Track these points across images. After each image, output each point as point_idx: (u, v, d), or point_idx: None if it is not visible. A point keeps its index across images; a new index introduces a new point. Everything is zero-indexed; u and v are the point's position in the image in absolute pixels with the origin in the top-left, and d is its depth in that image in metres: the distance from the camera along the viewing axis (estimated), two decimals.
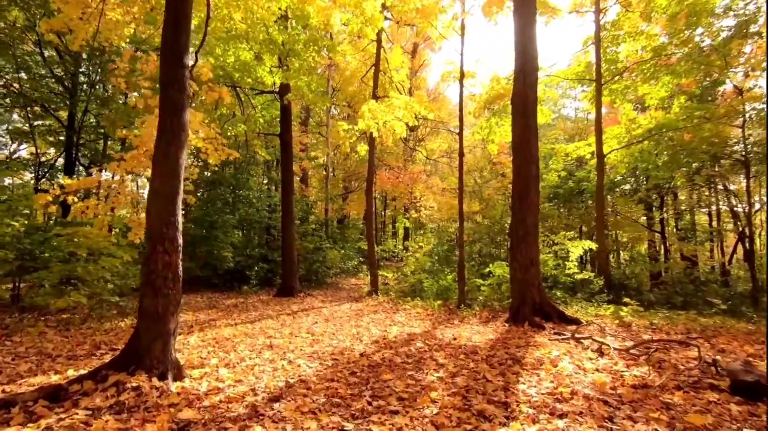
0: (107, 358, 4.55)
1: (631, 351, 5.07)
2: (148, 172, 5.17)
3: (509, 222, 16.70)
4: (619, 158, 12.75)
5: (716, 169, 13.29)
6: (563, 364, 4.64)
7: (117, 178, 6.95)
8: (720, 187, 17.36)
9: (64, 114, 13.50)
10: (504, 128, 13.30)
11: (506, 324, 7.64)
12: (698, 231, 18.71)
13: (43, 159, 15.90)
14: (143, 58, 6.25)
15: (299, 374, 4.35)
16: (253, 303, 10.58)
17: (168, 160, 3.97)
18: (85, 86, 13.41)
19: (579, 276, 10.65)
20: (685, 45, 11.00)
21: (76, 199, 6.62)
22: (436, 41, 11.06)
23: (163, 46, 4.14)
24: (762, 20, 10.25)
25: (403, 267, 15.13)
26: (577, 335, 5.98)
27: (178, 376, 3.91)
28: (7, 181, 16.56)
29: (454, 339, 6.33)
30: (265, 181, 20.07)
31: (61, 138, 14.10)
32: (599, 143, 11.54)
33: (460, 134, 10.16)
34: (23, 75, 12.74)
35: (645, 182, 16.74)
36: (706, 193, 18.71)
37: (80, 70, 13.06)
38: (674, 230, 17.28)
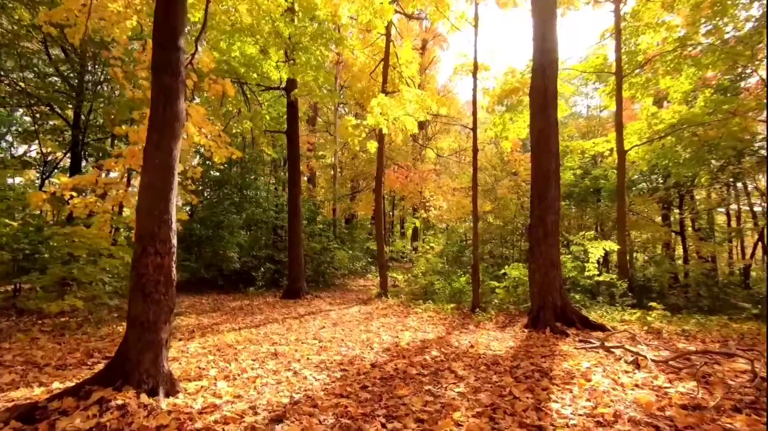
0: (99, 367, 4.20)
1: (671, 363, 4.59)
2: None
3: (523, 222, 16.25)
4: (640, 155, 12.17)
5: (740, 166, 12.65)
6: (597, 378, 4.18)
7: (116, 175, 6.63)
8: (740, 185, 16.69)
9: (69, 113, 13.31)
10: (518, 124, 12.82)
11: (525, 330, 7.18)
12: (717, 231, 18.02)
13: (49, 159, 15.73)
14: (140, 46, 5.91)
15: (305, 388, 3.95)
16: (258, 305, 10.23)
17: (160, 151, 3.60)
18: (90, 85, 13.21)
19: (599, 279, 10.13)
20: (711, 35, 10.41)
21: (75, 197, 6.31)
22: (449, 31, 10.61)
23: (155, 26, 3.77)
24: None
25: (413, 268, 14.70)
26: (606, 344, 5.50)
27: (171, 391, 3.53)
28: (12, 181, 16.46)
29: (472, 346, 5.89)
30: (272, 181, 19.78)
31: (68, 136, 13.92)
32: (620, 139, 10.99)
33: (474, 129, 9.71)
34: (28, 74, 12.57)
35: (664, 181, 16.12)
36: (725, 193, 18.05)
37: (87, 68, 12.86)
38: (691, 230, 16.57)
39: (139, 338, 3.40)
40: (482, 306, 9.21)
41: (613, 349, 5.34)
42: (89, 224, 7.68)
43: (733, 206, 19.12)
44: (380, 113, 8.97)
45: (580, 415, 3.24)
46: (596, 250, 10.54)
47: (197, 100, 12.54)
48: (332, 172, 22.42)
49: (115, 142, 14.77)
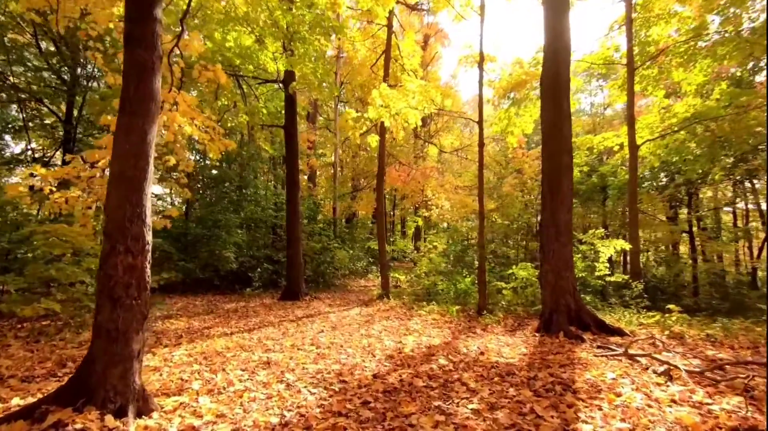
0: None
1: (707, 374, 4.13)
2: None
3: (527, 220, 15.79)
4: (652, 150, 11.69)
5: (754, 163, 12.18)
6: (626, 392, 3.72)
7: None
8: (747, 184, 16.23)
9: (63, 108, 12.87)
10: (524, 119, 12.35)
11: (537, 335, 6.73)
12: (723, 230, 17.57)
13: (39, 155, 15.27)
14: (118, 27, 5.44)
15: (299, 404, 3.49)
16: (254, 307, 9.77)
17: (131, 135, 3.14)
18: (83, 80, 12.76)
19: (610, 279, 9.67)
20: (729, 23, 9.94)
21: (55, 191, 5.86)
22: (454, 20, 10.11)
23: None
24: None
25: (415, 268, 14.23)
26: (630, 351, 5.04)
27: (144, 410, 3.07)
28: (8, 180, 15.98)
29: (482, 353, 5.43)
30: (271, 179, 19.34)
31: (59, 133, 13.48)
32: (632, 133, 10.52)
33: (480, 122, 9.25)
34: (18, 68, 12.13)
35: (670, 179, 15.67)
36: (734, 191, 17.60)
37: (79, 62, 12.41)
38: (697, 230, 16.13)
39: (106, 350, 2.94)
40: (489, 308, 8.75)
41: (637, 357, 4.88)
42: (72, 222, 7.23)
43: (740, 205, 18.71)
44: (382, 105, 8.51)
45: None
46: (607, 250, 10.08)
47: (194, 93, 12.07)
48: (332, 171, 21.96)
49: (105, 134, 14.31)
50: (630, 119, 10.60)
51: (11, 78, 12.17)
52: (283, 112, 13.21)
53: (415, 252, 18.21)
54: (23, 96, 12.34)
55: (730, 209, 19.65)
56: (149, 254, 3.23)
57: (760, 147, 11.55)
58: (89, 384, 2.90)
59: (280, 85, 12.11)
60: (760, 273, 15.73)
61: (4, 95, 12.45)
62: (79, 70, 12.98)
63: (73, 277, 6.10)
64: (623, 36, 11.98)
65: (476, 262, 13.74)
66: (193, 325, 7.31)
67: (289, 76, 11.22)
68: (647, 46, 11.35)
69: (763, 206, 16.71)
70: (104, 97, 12.66)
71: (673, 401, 3.49)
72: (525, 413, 3.29)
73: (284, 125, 12.08)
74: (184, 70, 5.74)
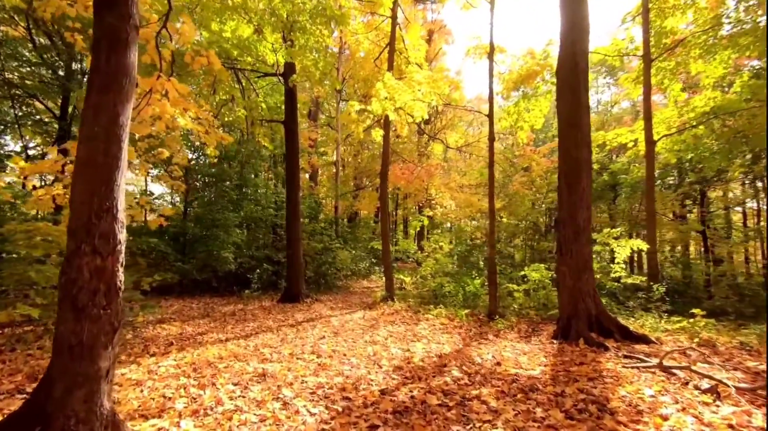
0: None
1: (759, 392, 3.65)
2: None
3: (537, 219, 15.30)
4: (668, 146, 11.18)
5: None
6: (672, 414, 3.25)
7: None
8: (760, 183, 15.72)
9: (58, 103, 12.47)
10: (534, 113, 11.86)
11: (554, 342, 6.25)
12: (734, 230, 17.07)
13: (34, 152, 14.86)
14: None
15: (296, 428, 3.03)
16: (252, 310, 9.31)
17: (101, 115, 2.68)
18: (77, 75, 12.35)
19: (627, 281, 9.18)
20: (752, 11, 9.43)
21: (37, 186, 5.42)
22: (462, 8, 9.66)
23: None
24: None
25: (420, 269, 13.75)
26: (664, 363, 4.55)
27: None
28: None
29: (498, 364, 4.96)
30: (271, 177, 18.88)
31: (52, 127, 13.07)
32: (648, 127, 10.02)
33: (490, 116, 8.77)
34: (11, 63, 11.72)
35: (682, 177, 15.16)
36: (739, 190, 17.12)
37: (74, 57, 12.01)
38: (708, 229, 15.63)
39: (67, 369, 2.48)
40: (500, 312, 8.27)
41: (673, 370, 4.39)
42: (59, 220, 6.79)
43: (751, 204, 18.24)
44: (386, 97, 8.05)
45: None
46: (623, 250, 9.59)
47: (193, 87, 11.62)
48: (334, 169, 21.51)
49: None
50: (647, 113, 10.09)
51: (5, 73, 11.77)
52: (282, 107, 12.76)
53: (419, 252, 17.73)
54: (17, 92, 11.93)
55: (740, 209, 19.17)
56: (122, 255, 2.77)
57: None
58: (46, 409, 2.44)
59: (280, 78, 11.64)
60: None
61: None
62: (74, 64, 12.60)
63: (55, 280, 5.64)
64: (637, 28, 11.51)
65: (482, 263, 13.28)
66: (186, 331, 6.85)
67: (289, 69, 10.77)
68: (663, 37, 10.84)
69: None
70: None
71: (731, 427, 3.01)
72: None
73: (284, 120, 11.62)
74: (174, 53, 5.29)
